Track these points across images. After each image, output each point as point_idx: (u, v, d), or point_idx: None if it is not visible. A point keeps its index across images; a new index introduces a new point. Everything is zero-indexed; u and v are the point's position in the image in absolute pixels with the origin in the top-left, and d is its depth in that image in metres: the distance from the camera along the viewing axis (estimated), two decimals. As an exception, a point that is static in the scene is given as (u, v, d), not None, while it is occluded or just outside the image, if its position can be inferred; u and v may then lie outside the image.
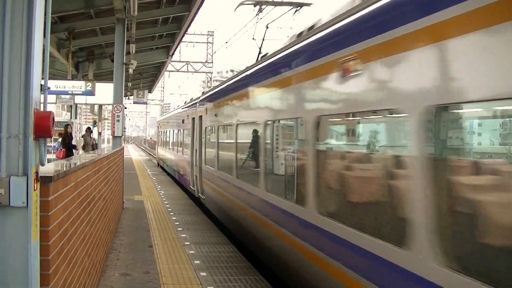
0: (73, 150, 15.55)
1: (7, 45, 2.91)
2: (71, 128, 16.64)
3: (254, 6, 11.49)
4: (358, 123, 4.71)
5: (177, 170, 19.86)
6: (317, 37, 5.37)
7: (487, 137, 3.23)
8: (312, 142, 5.23)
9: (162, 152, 27.93)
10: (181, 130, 18.55)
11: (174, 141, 21.43)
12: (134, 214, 11.72)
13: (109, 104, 18.77)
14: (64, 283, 3.74)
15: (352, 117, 4.64)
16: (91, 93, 17.88)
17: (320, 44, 5.23)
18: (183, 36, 19.74)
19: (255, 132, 7.91)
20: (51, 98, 19.96)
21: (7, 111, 2.91)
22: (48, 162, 3.65)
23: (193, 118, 14.81)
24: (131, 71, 18.44)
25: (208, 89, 14.85)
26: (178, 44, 22.21)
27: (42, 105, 3.15)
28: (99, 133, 24.16)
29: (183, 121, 17.81)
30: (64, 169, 3.95)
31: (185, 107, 18.18)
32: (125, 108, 16.29)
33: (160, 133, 31.26)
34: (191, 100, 17.66)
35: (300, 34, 6.69)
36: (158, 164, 30.79)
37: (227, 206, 9.77)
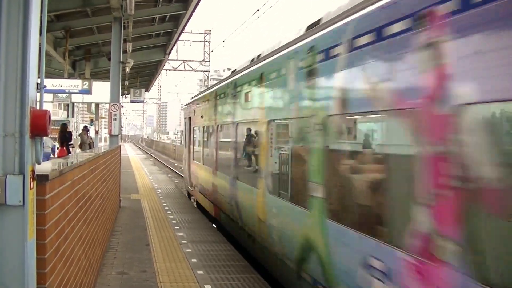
0: (70, 148, 15.58)
1: (3, 44, 2.90)
2: (68, 127, 16.64)
3: None
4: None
5: None
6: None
7: None
8: None
9: (218, 183, 10.44)
10: None
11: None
12: (131, 212, 11.72)
13: (106, 103, 18.72)
14: (61, 282, 3.74)
15: None
16: (87, 91, 17.87)
17: None
18: (180, 34, 19.70)
19: None
20: (48, 96, 20.00)
21: (3, 110, 2.90)
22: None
23: None
24: (128, 69, 18.40)
25: None
26: (175, 43, 22.18)
27: (38, 104, 3.14)
28: (96, 132, 24.15)
29: None
30: (61, 167, 3.94)
31: None
32: (122, 106, 16.28)
33: (199, 130, 13.70)
34: None
35: None
36: (189, 196, 15.70)
37: None
